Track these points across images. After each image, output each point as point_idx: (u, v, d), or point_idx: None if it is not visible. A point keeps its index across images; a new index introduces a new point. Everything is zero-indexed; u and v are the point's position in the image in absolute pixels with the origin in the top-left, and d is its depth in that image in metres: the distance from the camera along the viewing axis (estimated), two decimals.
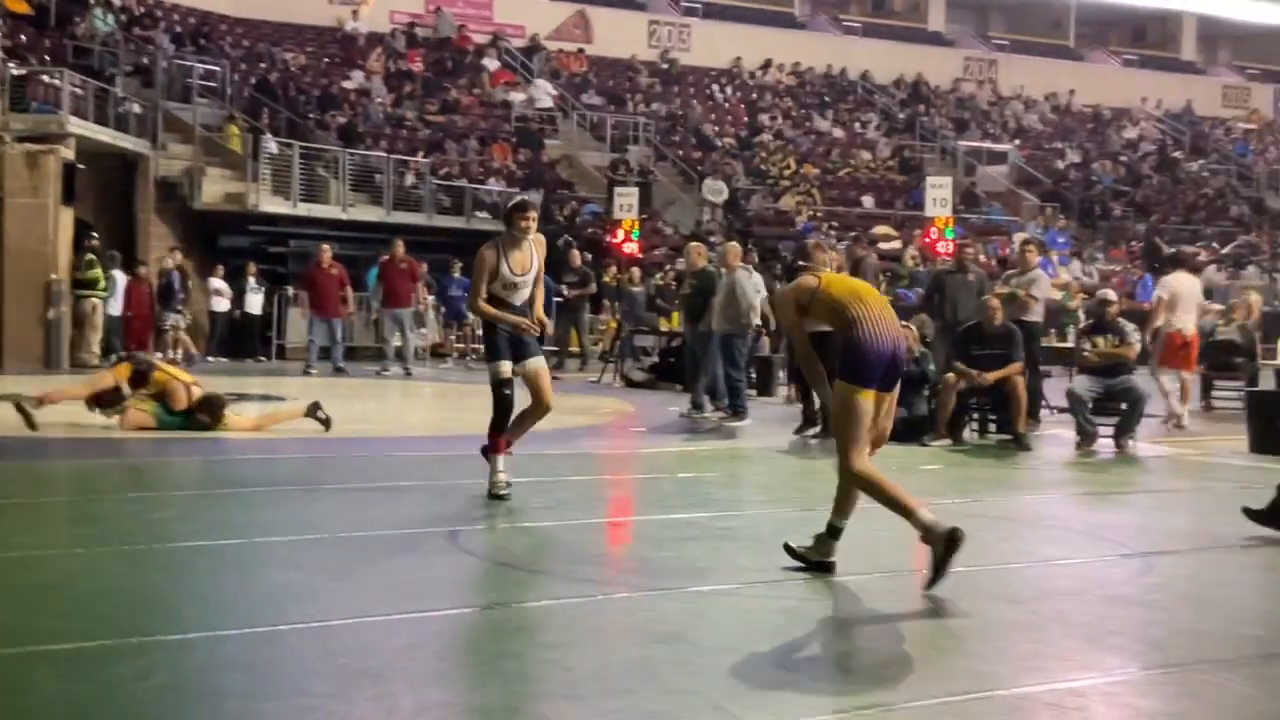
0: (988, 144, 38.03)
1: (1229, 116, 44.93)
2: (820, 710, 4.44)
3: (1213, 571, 7.21)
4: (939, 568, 6.00)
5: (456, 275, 23.86)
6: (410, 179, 27.78)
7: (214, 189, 25.05)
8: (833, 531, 6.47)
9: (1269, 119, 45.24)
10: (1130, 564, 7.20)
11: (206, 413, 11.99)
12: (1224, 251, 32.98)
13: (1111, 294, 14.05)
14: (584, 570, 6.72)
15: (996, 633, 5.62)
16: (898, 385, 6.41)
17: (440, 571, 6.58)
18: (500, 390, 8.47)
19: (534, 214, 8.59)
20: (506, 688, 4.57)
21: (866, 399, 6.17)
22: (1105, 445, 12.41)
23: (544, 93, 33.73)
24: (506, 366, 8.50)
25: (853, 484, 6.25)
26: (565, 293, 22.12)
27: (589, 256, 24.59)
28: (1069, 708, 4.59)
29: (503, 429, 8.51)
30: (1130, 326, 12.90)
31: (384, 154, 27.76)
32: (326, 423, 12.12)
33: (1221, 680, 4.95)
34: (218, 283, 23.52)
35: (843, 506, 6.45)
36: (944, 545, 5.99)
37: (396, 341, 21.05)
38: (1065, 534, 8.34)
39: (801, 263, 6.73)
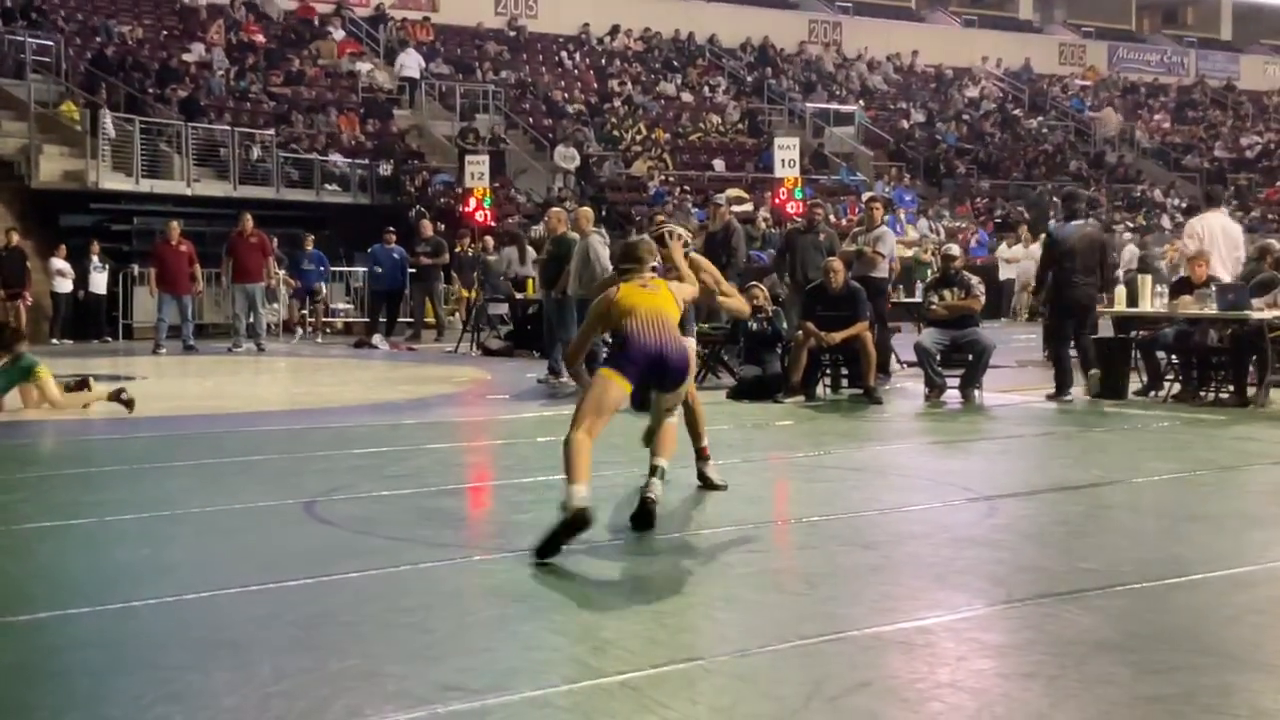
0: (834, 105, 38.50)
1: (1066, 74, 46.06)
2: (679, 659, 4.52)
3: (1054, 511, 7.46)
4: (550, 537, 5.91)
5: (308, 249, 23.54)
6: (256, 152, 27.29)
7: (52, 167, 24.34)
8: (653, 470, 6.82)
9: (1104, 75, 46.47)
10: (976, 507, 7.42)
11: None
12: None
13: (956, 249, 14.39)
14: (442, 535, 6.73)
15: (848, 577, 5.77)
16: (680, 385, 6.69)
17: (297, 542, 6.54)
18: None
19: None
20: (365, 651, 4.57)
21: (614, 383, 6.39)
22: (953, 396, 12.72)
23: (414, 63, 33.31)
24: None
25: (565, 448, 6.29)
26: (420, 262, 21.98)
27: (442, 226, 24.44)
28: (918, 645, 4.73)
29: None
30: (974, 279, 13.22)
31: (228, 127, 27.22)
32: (130, 404, 11.87)
33: (1062, 612, 5.14)
34: (59, 263, 22.87)
35: (656, 450, 6.86)
36: (567, 519, 5.93)
37: (248, 318, 20.71)
38: (915, 481, 8.55)
39: (625, 265, 6.91)
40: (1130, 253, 18.69)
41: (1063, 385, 12.72)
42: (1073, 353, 13.04)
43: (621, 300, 6.62)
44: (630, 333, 6.48)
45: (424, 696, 4.05)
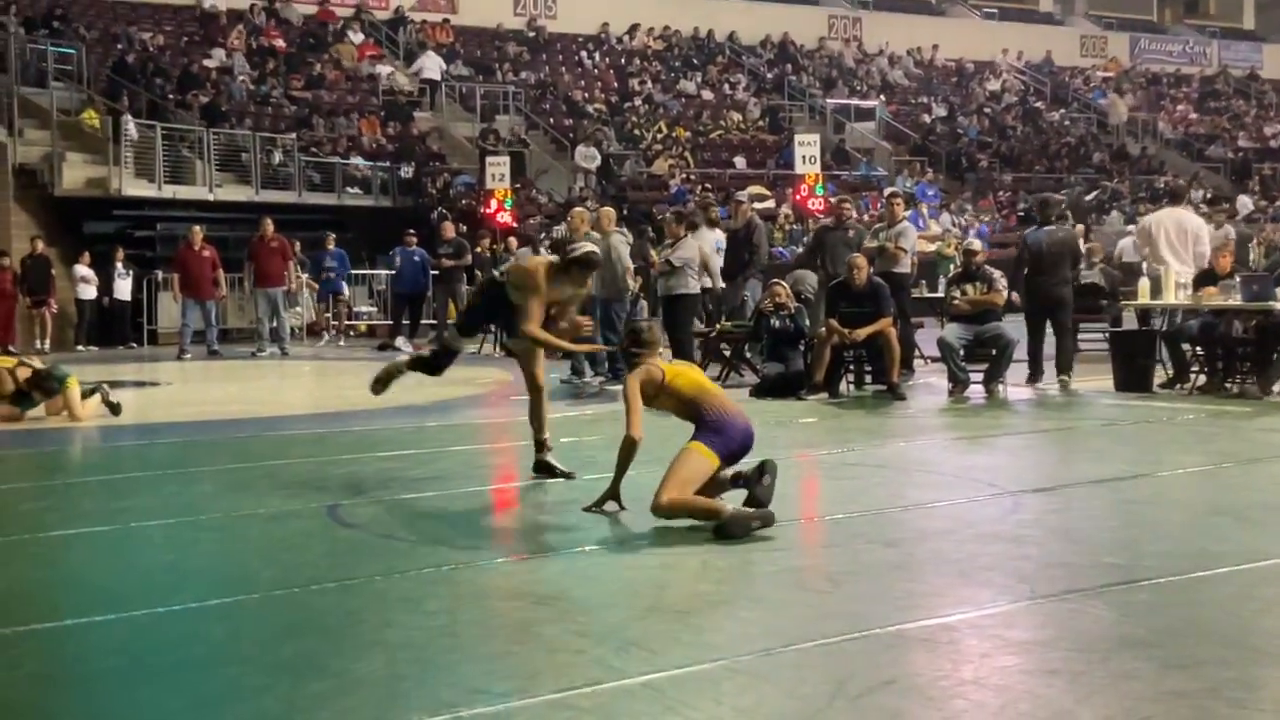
0: (855, 101, 38.43)
1: (1087, 66, 45.88)
2: (702, 659, 4.51)
3: (1078, 506, 7.43)
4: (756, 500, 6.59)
5: (330, 248, 23.62)
6: (278, 157, 27.38)
7: (75, 174, 24.47)
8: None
9: (1126, 66, 46.26)
10: (1001, 503, 7.40)
11: (39, 389, 11.79)
12: (1087, 198, 33.75)
13: (978, 243, 14.33)
14: (466, 538, 6.75)
15: (872, 574, 5.75)
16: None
17: (321, 547, 6.56)
18: None
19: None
20: (389, 655, 4.58)
21: (708, 461, 6.70)
22: (977, 391, 12.69)
23: (434, 65, 33.39)
24: None
25: (658, 512, 6.60)
26: (442, 264, 22.02)
27: (464, 228, 24.48)
28: (941, 642, 4.72)
29: None
30: (997, 273, 13.18)
31: (249, 132, 27.32)
32: (115, 408, 11.89)
33: (1086, 608, 5.12)
34: (83, 270, 23.00)
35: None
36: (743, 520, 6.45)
37: (271, 322, 20.79)
38: (939, 478, 8.52)
39: (635, 349, 7.12)
40: (1122, 246, 18.49)
41: (1034, 374, 13.22)
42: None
43: (680, 380, 6.92)
44: (726, 415, 6.82)
45: (448, 700, 4.06)
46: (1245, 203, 34.06)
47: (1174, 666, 4.36)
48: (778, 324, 13.14)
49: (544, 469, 8.28)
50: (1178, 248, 13.54)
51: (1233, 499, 7.55)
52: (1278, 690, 4.18)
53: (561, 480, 8.16)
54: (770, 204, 29.04)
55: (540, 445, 8.34)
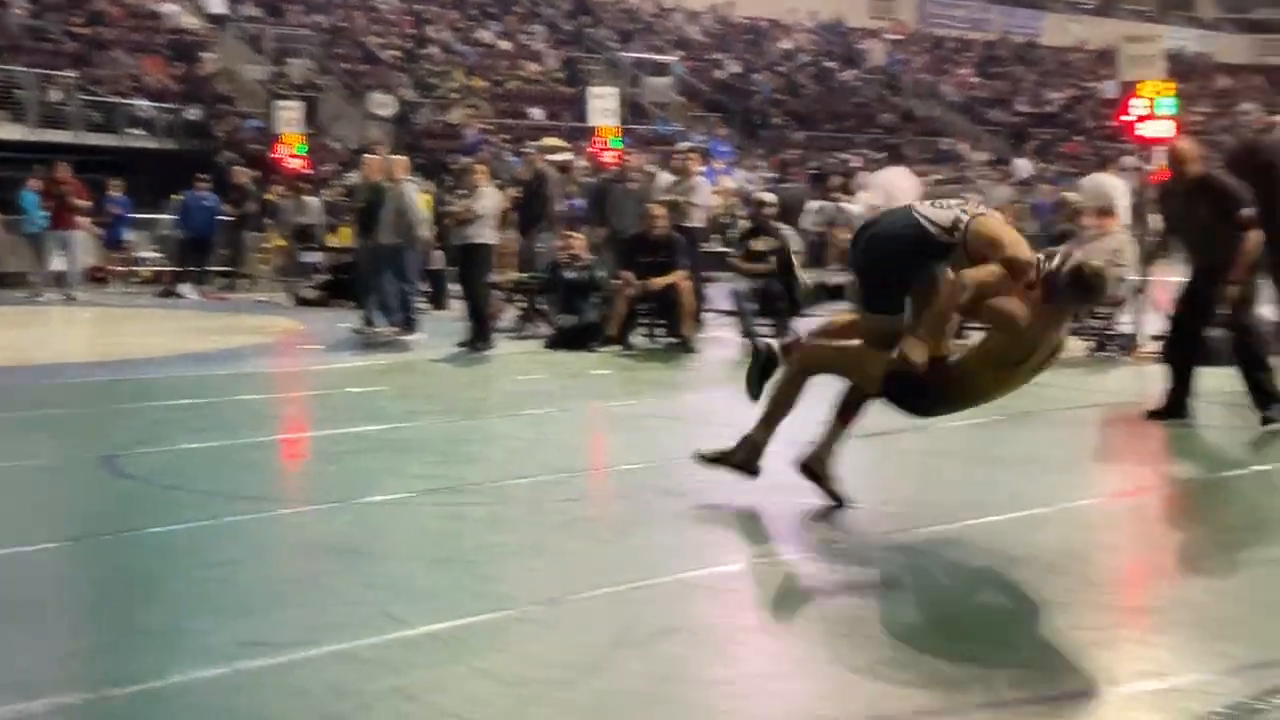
0: (652, 55, 38.55)
1: (877, 27, 46.81)
2: (489, 609, 4.52)
3: (857, 455, 7.63)
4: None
5: (114, 195, 22.79)
6: (56, 94, 26.26)
7: None
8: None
9: (912, 29, 47.37)
10: (786, 454, 7.55)
11: None
12: (876, 158, 34.52)
13: (769, 197, 14.54)
14: (253, 488, 6.63)
15: (660, 524, 5.84)
16: None
17: (99, 498, 6.38)
18: None
19: None
20: (168, 609, 4.48)
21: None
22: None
23: (220, 0, 32.36)
24: None
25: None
26: (233, 210, 21.48)
27: (256, 174, 23.86)
28: (725, 590, 4.83)
29: None
30: (786, 228, 13.40)
31: (25, 69, 26.14)
32: None
33: (862, 554, 5.31)
34: None
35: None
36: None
37: (58, 265, 19.99)
38: (727, 429, 8.62)
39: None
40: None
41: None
42: None
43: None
44: None
45: (226, 653, 3.99)
46: (1022, 165, 35.28)
47: (944, 611, 4.55)
48: (572, 275, 13.18)
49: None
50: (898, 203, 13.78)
51: (1003, 451, 7.86)
52: (1040, 632, 4.38)
53: (355, 430, 8.05)
54: (567, 156, 28.97)
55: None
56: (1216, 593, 4.90)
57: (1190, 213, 8.37)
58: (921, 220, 5.70)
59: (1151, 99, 12.78)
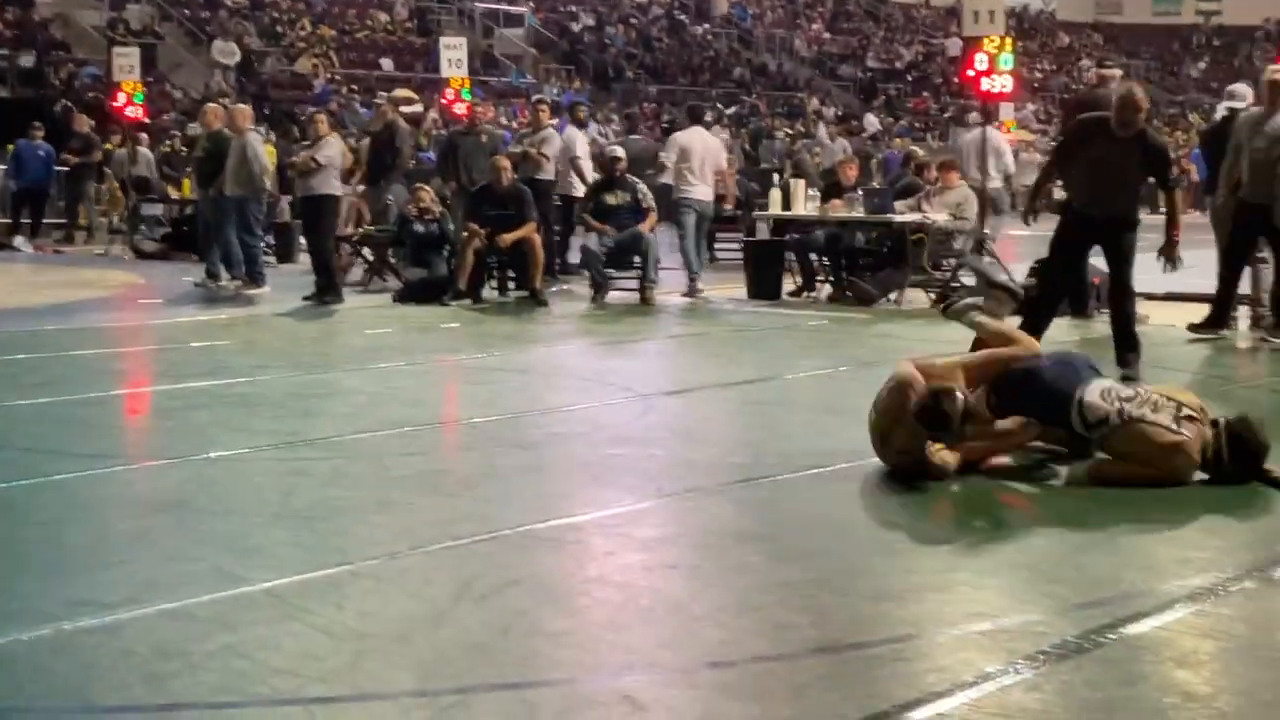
0: (504, 6, 38.14)
1: None
2: (326, 564, 4.44)
3: (707, 408, 7.69)
4: None
5: None
6: None
7: None
8: None
9: None
10: (634, 406, 7.57)
11: None
12: (728, 113, 34.64)
13: (620, 150, 14.48)
14: (81, 445, 6.42)
15: (505, 477, 5.79)
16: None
17: None
18: None
19: None
20: None
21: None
22: (617, 297, 12.90)
23: None
24: None
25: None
26: (70, 160, 20.77)
27: (93, 123, 23.10)
28: (568, 542, 4.81)
29: None
30: (639, 182, 13.36)
31: None
32: None
33: (708, 505, 5.32)
34: None
35: None
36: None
37: None
38: (577, 382, 8.66)
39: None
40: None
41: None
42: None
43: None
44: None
45: (52, 614, 3.86)
46: (872, 121, 35.70)
47: (786, 559, 4.57)
48: (421, 229, 13.01)
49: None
50: (700, 163, 13.62)
51: (849, 400, 7.94)
52: (877, 578, 4.44)
53: (195, 385, 7.85)
54: (418, 108, 28.56)
55: None
56: (1046, 535, 5.01)
57: (1116, 161, 8.19)
58: (1077, 403, 5.71)
59: (993, 55, 12.97)
